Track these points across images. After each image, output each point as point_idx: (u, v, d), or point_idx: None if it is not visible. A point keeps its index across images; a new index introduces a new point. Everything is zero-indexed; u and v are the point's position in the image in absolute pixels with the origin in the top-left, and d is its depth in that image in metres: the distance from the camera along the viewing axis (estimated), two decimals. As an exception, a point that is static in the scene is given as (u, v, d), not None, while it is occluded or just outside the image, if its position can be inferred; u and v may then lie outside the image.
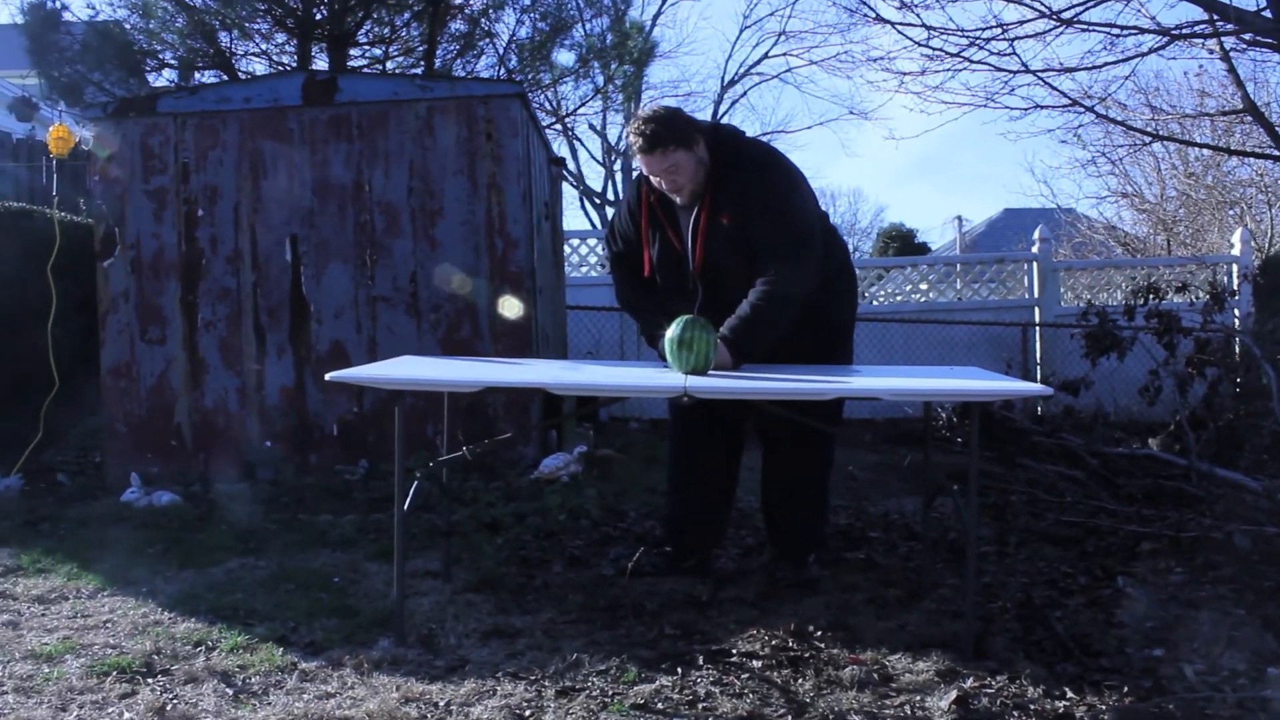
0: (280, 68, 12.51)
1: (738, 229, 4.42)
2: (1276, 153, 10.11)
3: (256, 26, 12.26)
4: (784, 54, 26.31)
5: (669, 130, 4.35)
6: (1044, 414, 9.57)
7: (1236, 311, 11.00)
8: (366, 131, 7.30)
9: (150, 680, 3.68)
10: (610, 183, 26.46)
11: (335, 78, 7.47)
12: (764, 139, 24.40)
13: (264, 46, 12.66)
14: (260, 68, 12.79)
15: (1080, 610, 4.42)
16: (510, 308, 7.23)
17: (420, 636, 4.08)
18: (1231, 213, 17.20)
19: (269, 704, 3.48)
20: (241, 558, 5.29)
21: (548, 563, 5.18)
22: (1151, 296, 8.34)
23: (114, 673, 3.72)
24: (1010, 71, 9.16)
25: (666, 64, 30.05)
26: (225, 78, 11.81)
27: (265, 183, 7.35)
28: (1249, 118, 10.52)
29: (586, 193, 26.59)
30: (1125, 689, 3.54)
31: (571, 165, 24.86)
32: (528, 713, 3.39)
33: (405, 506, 4.04)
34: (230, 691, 3.58)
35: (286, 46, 12.69)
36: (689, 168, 4.41)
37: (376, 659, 3.84)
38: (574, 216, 26.28)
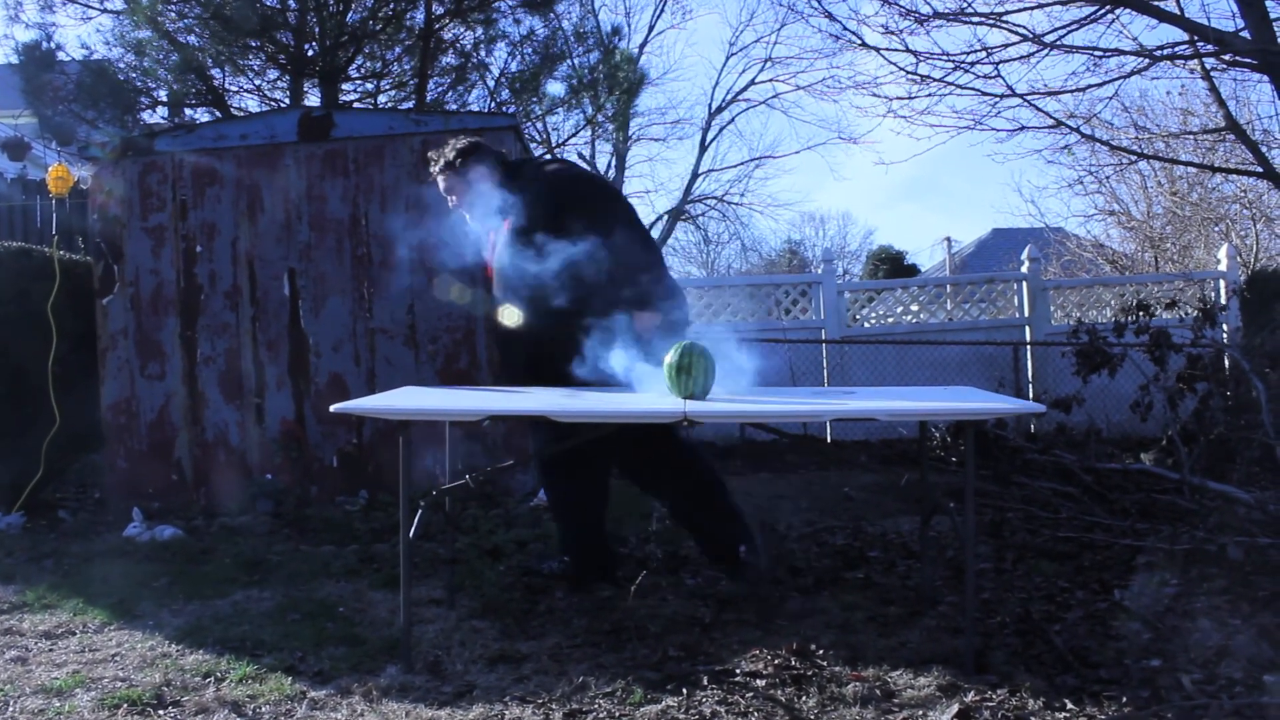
0: (273, 104, 12.64)
1: (527, 239, 4.73)
2: (1259, 170, 10.23)
3: (249, 63, 12.39)
4: (770, 80, 26.52)
5: (459, 156, 4.91)
6: (1037, 432, 9.65)
7: (1225, 326, 11.11)
8: (362, 166, 7.39)
9: (161, 712, 3.72)
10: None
11: (331, 114, 7.57)
12: (751, 163, 24.19)
13: (256, 83, 12.79)
14: (253, 104, 12.92)
15: (1078, 623, 4.48)
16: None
17: (427, 663, 4.13)
18: (1217, 229, 17.37)
19: (280, 732, 3.52)
20: (246, 589, 5.32)
21: (550, 588, 5.22)
22: (1141, 314, 8.43)
23: (125, 705, 3.76)
24: (996, 95, 9.29)
25: (654, 91, 30.28)
26: (218, 114, 11.92)
27: (263, 218, 7.43)
28: (1232, 136, 10.67)
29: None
30: (1124, 700, 3.60)
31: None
32: (537, 735, 3.44)
33: (410, 534, 4.09)
34: (241, 721, 3.62)
35: (279, 83, 12.83)
36: (467, 189, 4.90)
37: (385, 686, 3.89)
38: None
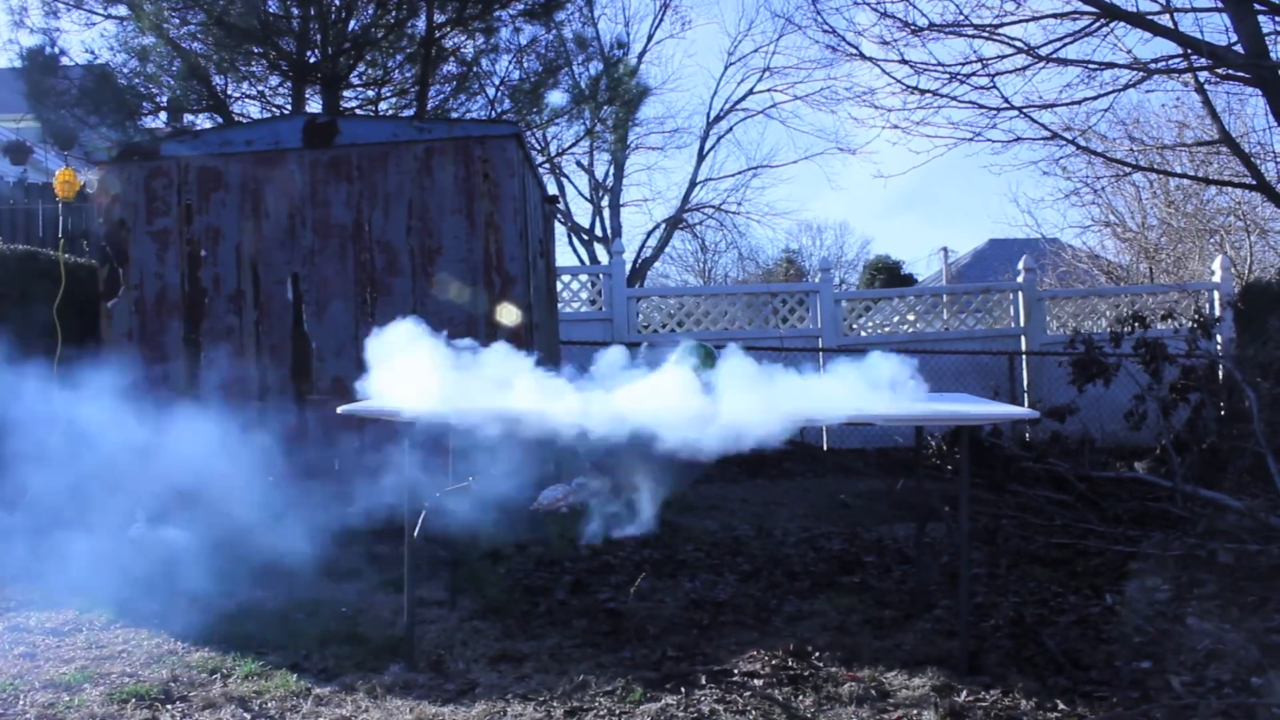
0: (274, 110, 12.70)
1: None
2: (1253, 182, 10.33)
3: (251, 69, 12.46)
4: (769, 90, 26.46)
5: None
6: (1031, 440, 9.72)
7: (1219, 337, 11.19)
8: (366, 172, 7.46)
9: (169, 707, 3.78)
10: (598, 219, 26.67)
11: (335, 120, 7.64)
12: (748, 173, 24.26)
13: (259, 89, 12.85)
14: (254, 110, 12.99)
15: (1071, 627, 4.55)
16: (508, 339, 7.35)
17: (429, 661, 4.19)
18: (1212, 240, 17.47)
19: (287, 727, 3.59)
20: (250, 589, 5.38)
21: (550, 589, 5.29)
22: (1137, 325, 8.52)
23: (133, 700, 3.82)
24: (993, 108, 9.38)
25: (652, 100, 30.32)
26: (219, 120, 11.99)
27: (267, 223, 7.50)
28: (1226, 148, 10.77)
29: (575, 229, 26.79)
30: (1115, 700, 3.67)
31: (560, 203, 24.99)
32: (539, 731, 3.51)
33: (415, 535, 4.16)
34: (248, 716, 3.68)
35: (280, 89, 12.89)
36: None
37: (388, 683, 3.96)
38: (563, 253, 26.52)
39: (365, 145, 7.50)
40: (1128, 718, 3.53)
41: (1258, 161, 11.00)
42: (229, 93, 12.44)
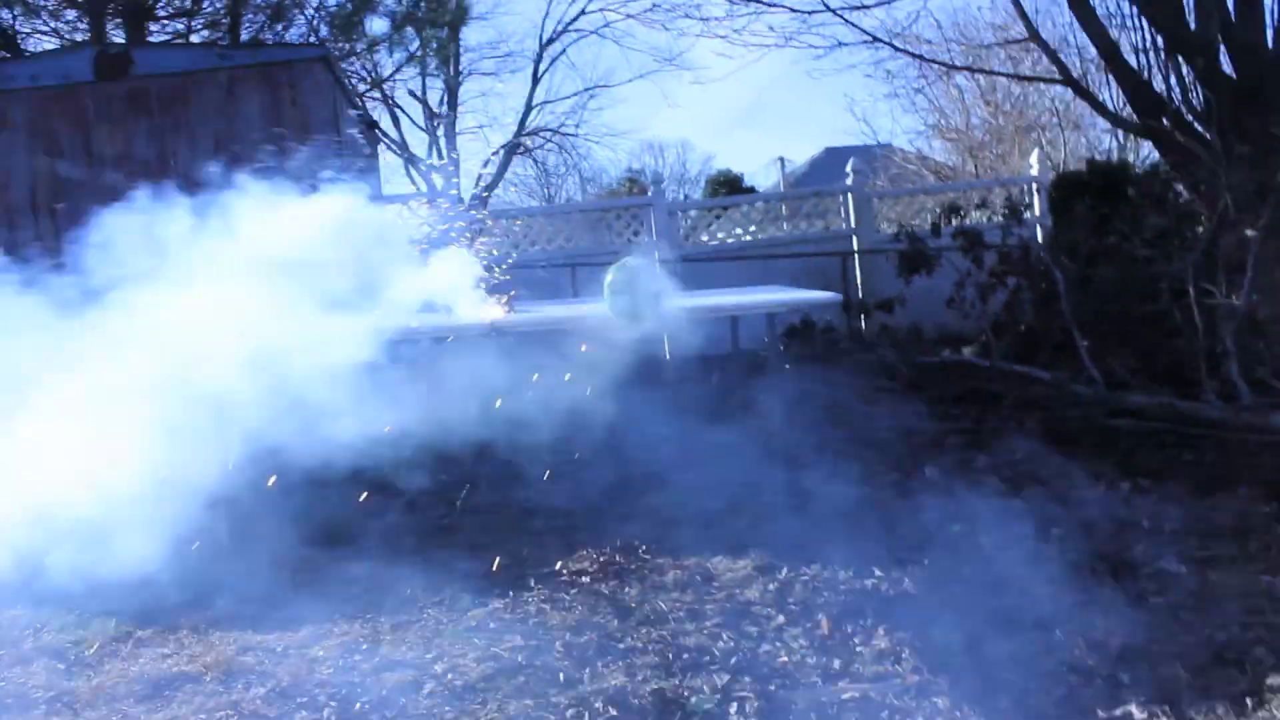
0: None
1: None
2: (1059, 77, 10.69)
3: (42, 3, 11.73)
4: (601, 9, 26.16)
5: None
6: (865, 332, 10.00)
7: (1039, 226, 11.63)
8: (167, 104, 7.14)
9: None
10: (434, 148, 26.14)
11: (128, 51, 7.28)
12: (585, 94, 24.02)
13: (52, 24, 12.12)
14: (51, 47, 12.24)
15: (891, 501, 4.74)
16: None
17: (256, 592, 4.10)
18: (1031, 137, 18.09)
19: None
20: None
21: (384, 511, 5.22)
22: (954, 215, 8.80)
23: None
24: (806, 11, 9.48)
25: (484, 26, 29.71)
26: (8, 56, 11.27)
27: (63, 164, 7.11)
28: (1035, 44, 11.10)
29: (412, 160, 26.24)
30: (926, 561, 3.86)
31: (394, 133, 24.36)
32: (364, 646, 3.49)
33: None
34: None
35: (79, 24, 12.17)
36: None
37: (213, 618, 3.87)
38: (400, 183, 25.87)
39: (164, 76, 7.17)
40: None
41: (1063, 56, 11.36)
42: (18, 28, 11.70)
